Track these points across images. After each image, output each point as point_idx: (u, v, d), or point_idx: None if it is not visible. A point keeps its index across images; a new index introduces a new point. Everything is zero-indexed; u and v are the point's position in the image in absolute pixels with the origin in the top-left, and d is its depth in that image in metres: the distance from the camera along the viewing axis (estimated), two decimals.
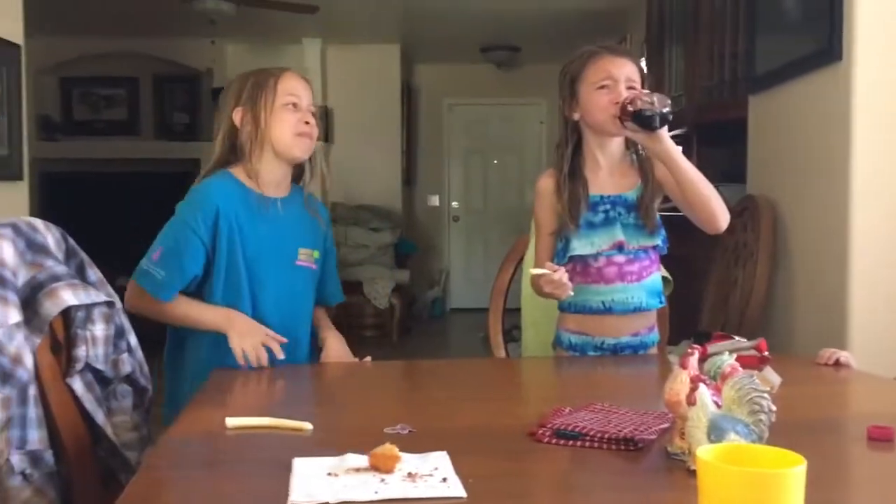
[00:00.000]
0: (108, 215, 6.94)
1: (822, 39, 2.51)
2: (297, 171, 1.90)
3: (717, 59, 3.73)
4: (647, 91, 1.65)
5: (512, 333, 2.74)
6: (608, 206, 1.83)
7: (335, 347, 1.89)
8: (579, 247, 1.82)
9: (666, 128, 1.65)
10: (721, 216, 1.74)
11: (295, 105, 1.79)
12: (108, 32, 6.65)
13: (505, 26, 6.62)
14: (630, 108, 1.63)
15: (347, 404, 1.49)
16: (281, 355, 1.68)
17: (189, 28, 6.39)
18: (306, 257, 1.87)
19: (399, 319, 6.31)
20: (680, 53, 4.18)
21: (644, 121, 1.62)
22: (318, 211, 1.94)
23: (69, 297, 1.35)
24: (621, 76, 1.78)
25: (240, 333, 1.69)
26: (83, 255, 1.47)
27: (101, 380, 1.46)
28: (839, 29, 2.42)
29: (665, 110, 1.61)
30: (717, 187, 3.89)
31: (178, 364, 1.84)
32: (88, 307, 1.41)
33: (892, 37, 2.37)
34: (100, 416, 1.42)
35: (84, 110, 7.29)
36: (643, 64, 5.02)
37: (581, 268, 1.85)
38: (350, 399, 1.54)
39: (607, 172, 1.86)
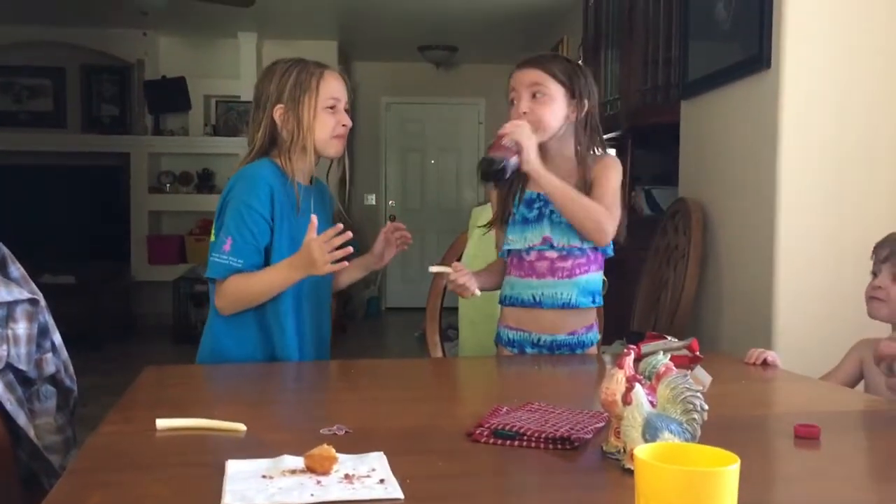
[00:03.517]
0: (33, 210, 6.71)
1: (752, 48, 2.58)
2: None
3: (652, 64, 3.80)
4: (510, 138, 1.72)
5: (448, 333, 2.75)
6: (542, 204, 1.87)
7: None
8: (513, 241, 1.89)
9: (535, 147, 1.73)
10: (596, 233, 1.79)
11: (334, 107, 1.85)
12: (34, 20, 6.43)
13: (443, 26, 6.63)
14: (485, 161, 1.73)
15: (282, 405, 1.46)
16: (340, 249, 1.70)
17: (120, 18, 6.22)
18: None
19: (334, 319, 6.24)
20: (615, 57, 4.25)
21: (490, 176, 1.72)
22: (329, 196, 2.02)
23: None
24: (522, 88, 1.85)
25: (305, 269, 1.70)
26: (5, 251, 1.42)
27: (23, 380, 1.41)
28: (768, 38, 2.50)
29: (511, 161, 1.71)
30: (649, 190, 3.98)
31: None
32: (10, 304, 1.35)
33: (819, 47, 2.45)
34: (21, 418, 1.37)
35: (7, 101, 7.03)
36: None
37: (516, 261, 1.91)
38: (285, 399, 1.51)
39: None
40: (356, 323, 7.24)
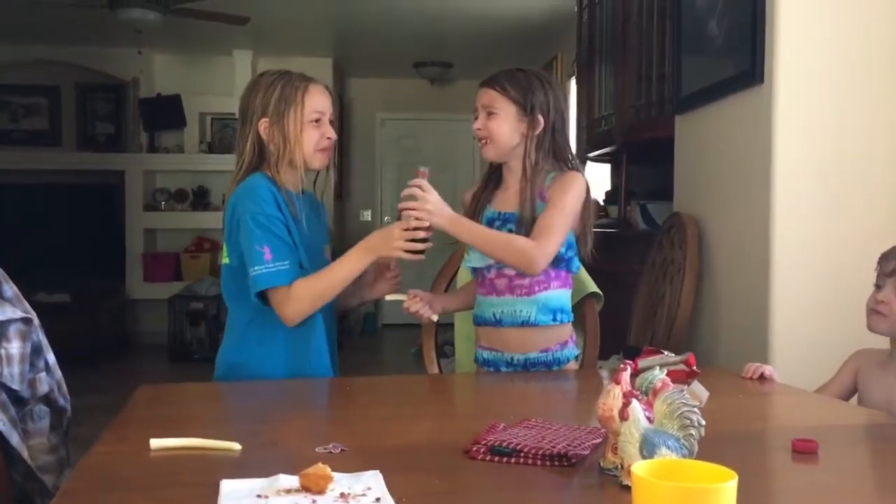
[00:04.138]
0: (28, 228, 6.70)
1: (745, 63, 2.60)
2: None
3: (645, 79, 3.81)
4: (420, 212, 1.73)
5: (444, 349, 2.74)
6: (500, 223, 1.87)
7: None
8: (473, 259, 1.90)
9: (438, 211, 1.73)
10: (524, 267, 1.79)
11: (318, 120, 1.84)
12: (29, 40, 6.45)
13: (437, 42, 6.66)
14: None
15: (278, 423, 1.45)
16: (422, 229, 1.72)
17: (115, 37, 6.24)
18: (326, 251, 1.95)
19: None
20: (609, 73, 4.26)
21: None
22: (322, 209, 2.02)
23: None
24: (479, 106, 1.89)
25: (377, 249, 1.76)
26: None
27: (16, 400, 1.40)
28: (761, 53, 2.51)
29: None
30: (644, 205, 3.98)
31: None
32: (2, 324, 1.35)
33: (811, 61, 2.46)
34: (14, 439, 1.36)
35: (2, 120, 7.03)
36: (573, 82, 5.11)
37: (480, 279, 1.92)
38: (280, 417, 1.50)
39: (513, 192, 1.90)
40: (353, 339, 7.22)
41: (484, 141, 1.88)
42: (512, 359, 1.88)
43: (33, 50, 6.64)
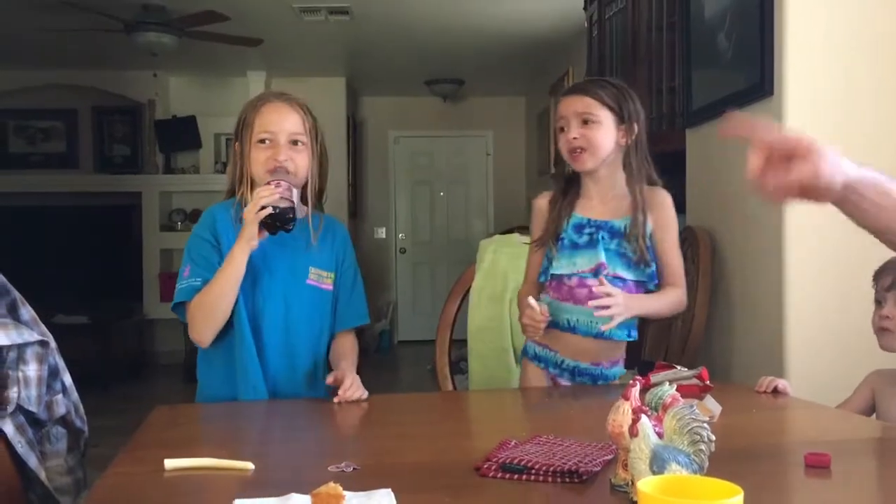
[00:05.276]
0: (45, 251, 6.77)
1: (754, 75, 2.60)
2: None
3: (656, 93, 3.81)
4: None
5: (459, 365, 2.75)
6: (593, 230, 1.86)
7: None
8: (560, 266, 1.86)
9: (627, 306, 1.74)
10: (679, 311, 1.94)
11: (269, 140, 1.79)
12: (46, 64, 6.54)
13: (449, 60, 6.70)
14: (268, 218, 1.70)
15: (290, 442, 1.46)
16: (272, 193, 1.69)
17: (130, 60, 6.32)
18: (318, 277, 1.87)
19: None
20: None
21: (277, 224, 1.71)
22: (333, 233, 1.95)
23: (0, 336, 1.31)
24: (570, 115, 1.85)
25: (240, 240, 1.70)
26: (15, 294, 1.43)
27: (33, 422, 1.42)
28: (770, 65, 2.51)
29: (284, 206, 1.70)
30: None
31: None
32: (20, 347, 1.37)
33: (821, 73, 2.46)
34: (32, 461, 1.37)
35: (20, 143, 7.13)
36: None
37: (556, 284, 1.88)
38: (293, 436, 1.51)
39: (598, 201, 1.90)
40: (368, 356, 7.23)
41: (579, 151, 1.83)
42: (563, 362, 1.88)
43: (50, 74, 6.74)
